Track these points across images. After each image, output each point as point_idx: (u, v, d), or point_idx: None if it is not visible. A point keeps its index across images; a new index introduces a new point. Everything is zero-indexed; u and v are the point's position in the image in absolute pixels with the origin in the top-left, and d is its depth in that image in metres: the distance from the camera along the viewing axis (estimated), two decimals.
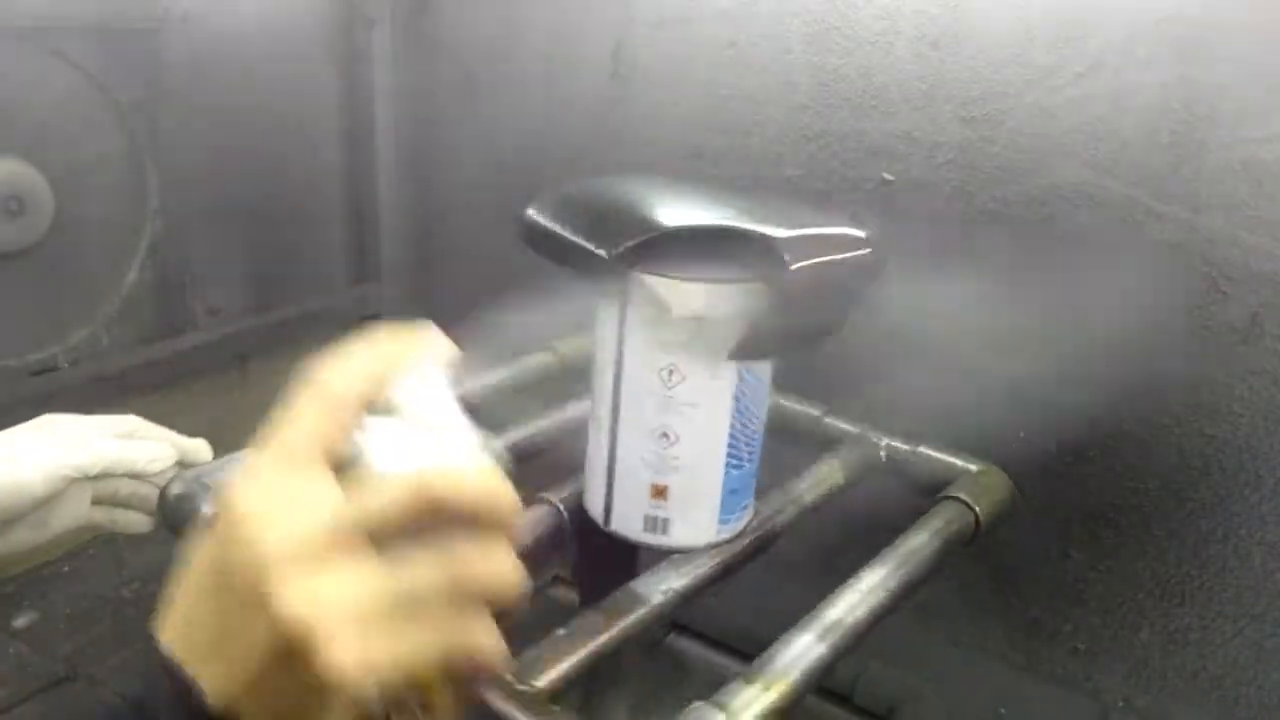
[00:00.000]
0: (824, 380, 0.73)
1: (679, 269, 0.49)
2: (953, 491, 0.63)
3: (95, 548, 0.85)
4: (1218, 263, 0.68)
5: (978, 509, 0.62)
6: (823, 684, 0.66)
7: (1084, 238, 0.73)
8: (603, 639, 0.49)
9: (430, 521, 0.32)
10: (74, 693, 0.68)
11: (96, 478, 0.58)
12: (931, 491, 0.65)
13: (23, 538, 0.57)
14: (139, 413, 0.80)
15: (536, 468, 0.64)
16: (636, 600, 0.52)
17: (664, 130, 0.90)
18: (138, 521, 0.63)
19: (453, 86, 1.03)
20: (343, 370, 0.35)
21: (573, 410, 0.69)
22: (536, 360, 0.77)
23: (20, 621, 0.74)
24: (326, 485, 0.32)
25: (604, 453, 0.56)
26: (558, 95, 0.96)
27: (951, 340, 0.80)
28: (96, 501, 0.60)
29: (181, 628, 0.33)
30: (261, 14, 0.96)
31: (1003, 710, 0.74)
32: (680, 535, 0.56)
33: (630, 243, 0.48)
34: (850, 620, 0.51)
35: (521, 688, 0.44)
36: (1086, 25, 0.70)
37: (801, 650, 0.49)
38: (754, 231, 0.49)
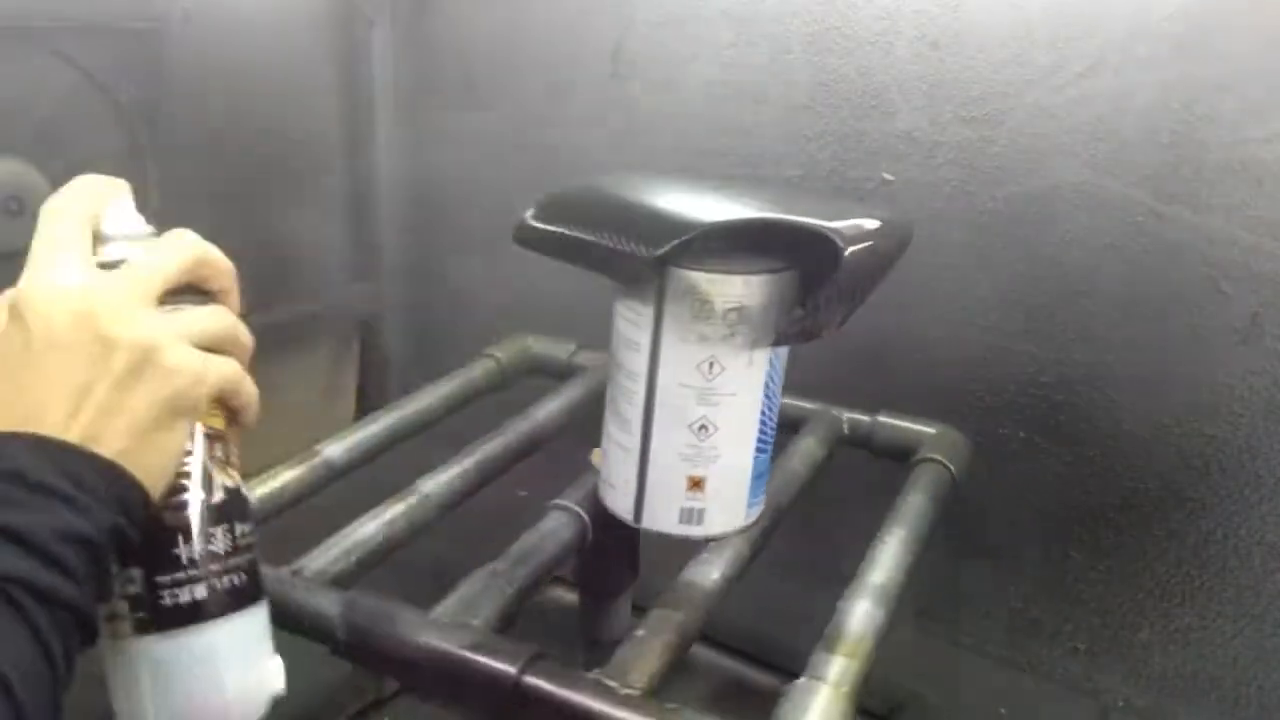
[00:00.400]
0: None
1: (721, 264, 0.51)
2: (926, 454, 0.68)
3: None
4: (1218, 263, 0.68)
5: (952, 467, 0.67)
6: None
7: (1084, 238, 0.73)
8: (684, 634, 0.51)
9: (193, 281, 0.41)
10: (74, 693, 0.67)
11: None
12: (897, 457, 0.70)
13: None
14: None
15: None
16: (697, 591, 0.54)
17: (664, 130, 0.90)
18: None
19: (453, 86, 1.03)
20: (76, 198, 0.41)
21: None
22: (479, 368, 0.79)
23: None
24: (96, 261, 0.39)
25: (634, 453, 0.57)
26: (558, 95, 0.96)
27: (950, 330, 0.80)
28: None
29: (10, 410, 0.36)
30: (261, 14, 0.95)
31: (1003, 710, 0.74)
32: (715, 523, 0.57)
33: (675, 241, 0.48)
34: (893, 583, 0.55)
35: (627, 691, 0.45)
36: (1086, 25, 0.70)
37: (865, 617, 0.51)
38: (804, 223, 0.50)
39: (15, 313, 0.37)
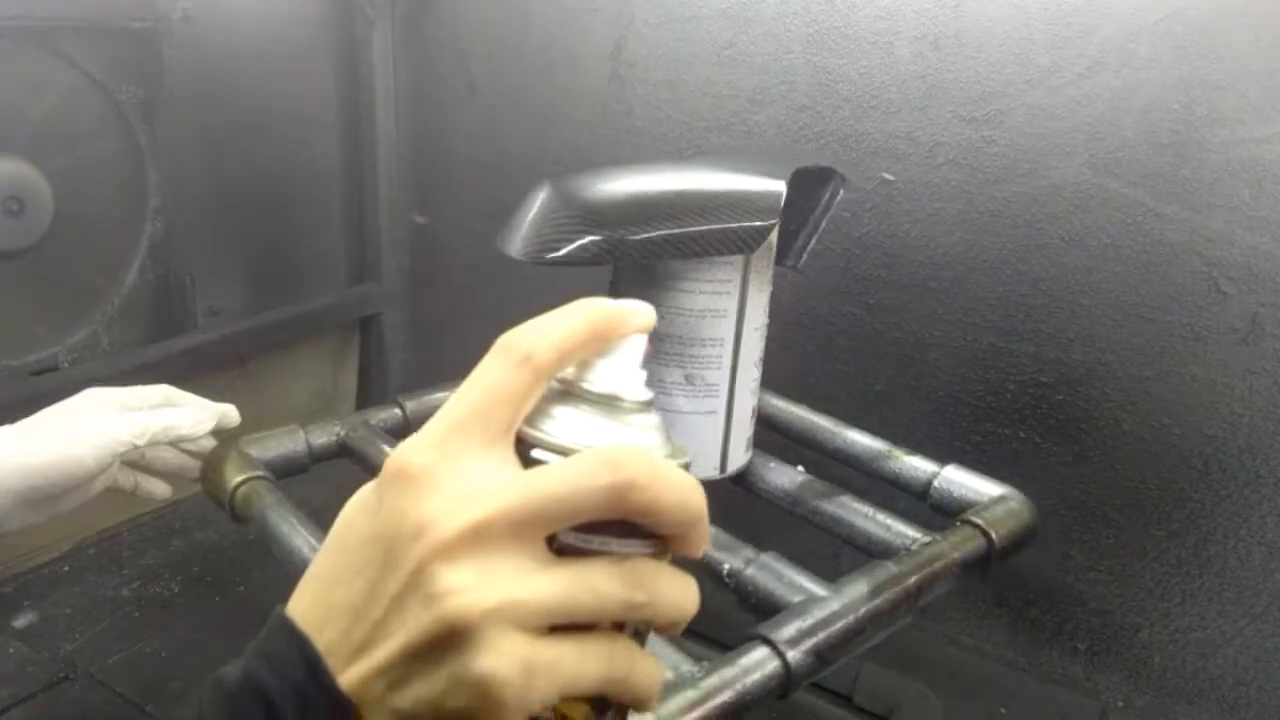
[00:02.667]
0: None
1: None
2: (970, 516, 0.62)
3: (95, 547, 0.85)
4: (1218, 263, 0.68)
5: (993, 534, 0.61)
6: (822, 684, 0.66)
7: (1084, 238, 0.73)
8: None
9: (615, 521, 0.28)
10: (74, 693, 0.68)
11: (144, 447, 0.64)
12: (949, 513, 0.65)
13: (70, 502, 0.62)
14: None
15: None
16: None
17: (664, 130, 0.90)
18: (160, 489, 0.70)
19: (453, 86, 1.03)
20: (546, 333, 0.29)
21: None
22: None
23: (20, 621, 0.74)
24: (512, 463, 0.29)
25: (720, 415, 0.62)
26: (558, 95, 0.96)
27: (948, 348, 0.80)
28: (125, 462, 0.65)
29: (319, 599, 0.29)
30: (261, 14, 0.95)
31: (1003, 710, 0.74)
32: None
33: (773, 216, 0.56)
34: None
35: None
36: (1086, 25, 0.70)
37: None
38: (823, 165, 0.65)
39: (381, 479, 0.29)
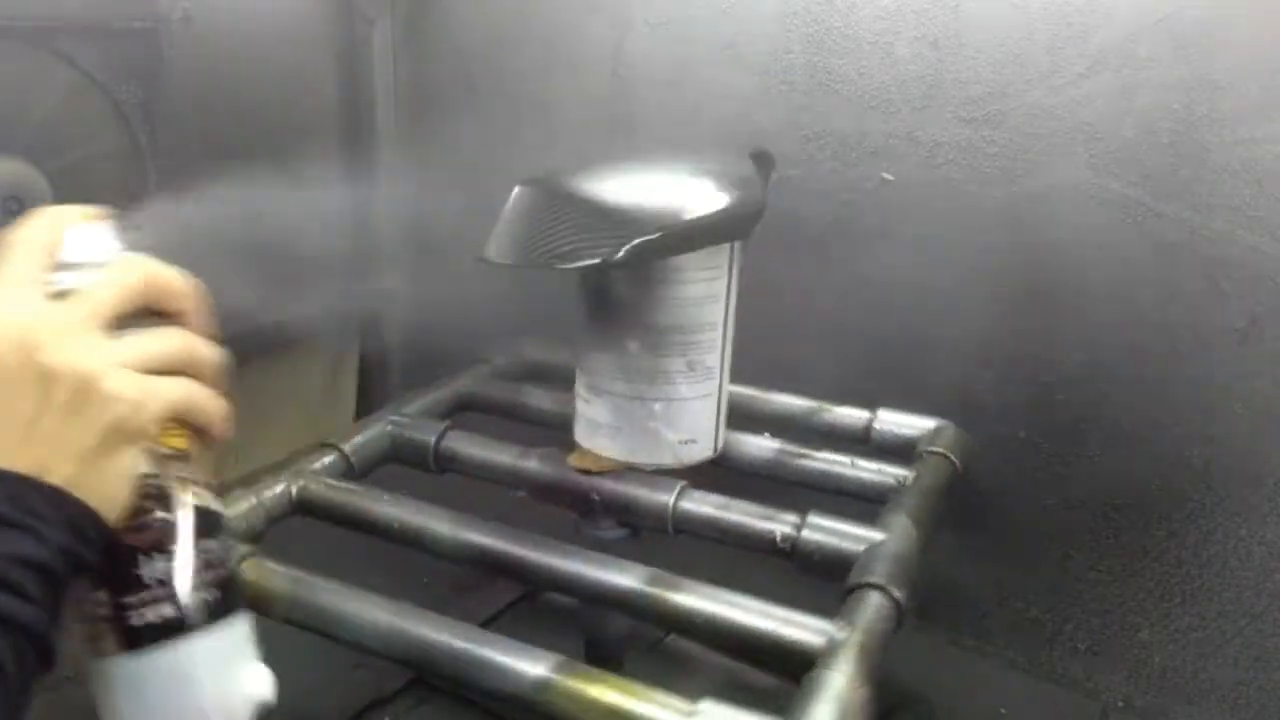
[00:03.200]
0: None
1: None
2: (928, 448, 0.70)
3: None
4: (1218, 263, 0.68)
5: (955, 459, 0.69)
6: None
7: (1084, 238, 0.73)
8: None
9: (144, 308, 0.40)
10: (74, 693, 0.67)
11: None
12: (898, 454, 0.71)
13: None
14: None
15: None
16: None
17: (664, 130, 0.90)
18: None
19: (453, 86, 1.03)
20: (34, 224, 0.42)
21: None
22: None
23: None
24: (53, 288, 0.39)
25: (714, 396, 0.63)
26: (558, 95, 0.96)
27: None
28: None
29: None
30: (261, 14, 0.95)
31: (1003, 710, 0.74)
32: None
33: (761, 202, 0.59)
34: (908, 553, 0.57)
35: None
36: (1086, 25, 0.70)
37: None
38: (762, 152, 0.66)
39: None
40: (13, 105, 0.79)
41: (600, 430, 0.62)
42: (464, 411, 0.81)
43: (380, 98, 1.04)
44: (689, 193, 0.60)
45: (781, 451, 0.69)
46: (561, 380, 0.79)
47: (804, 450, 0.70)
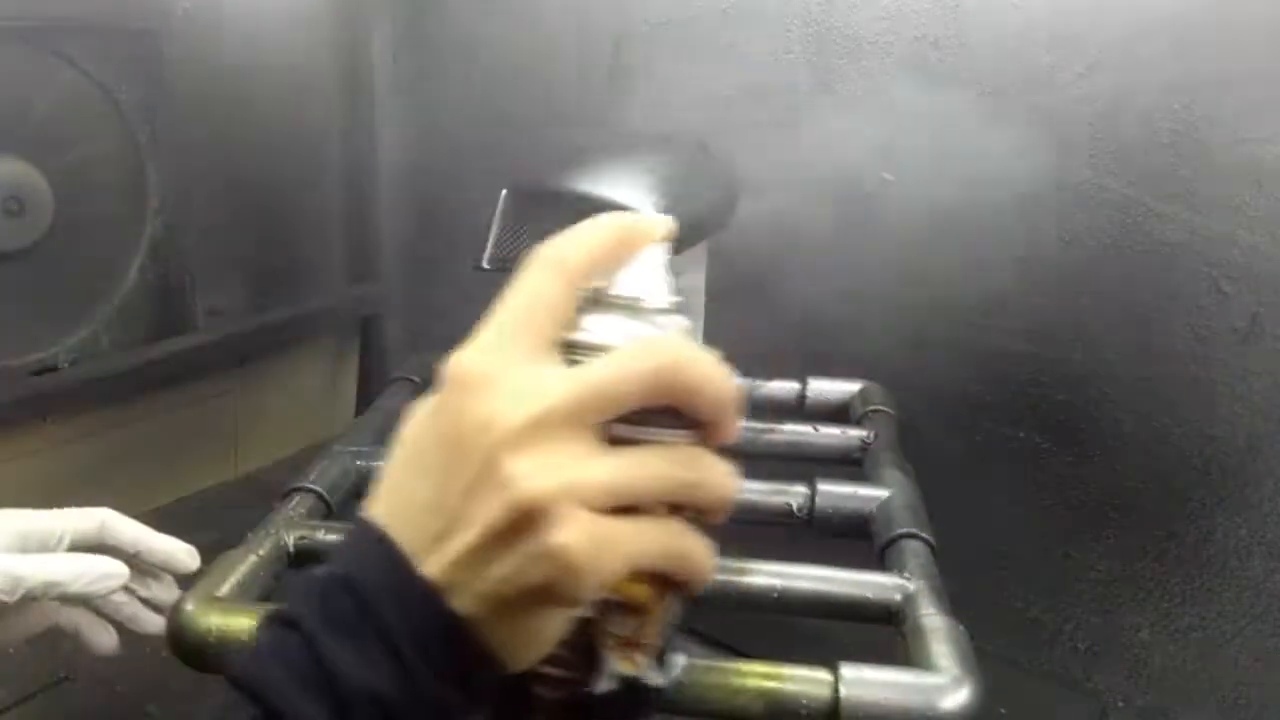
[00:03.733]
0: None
1: None
2: (869, 408, 0.74)
3: None
4: (1218, 263, 0.68)
5: (895, 413, 0.74)
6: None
7: (1084, 238, 0.73)
8: None
9: (658, 412, 0.30)
10: (74, 693, 0.68)
11: (19, 602, 0.47)
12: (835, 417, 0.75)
13: None
14: (140, 411, 0.79)
15: None
16: None
17: (664, 130, 0.90)
18: (104, 641, 0.53)
19: (453, 86, 1.03)
20: (577, 244, 0.32)
21: None
22: None
23: None
24: (559, 364, 0.31)
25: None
26: (558, 95, 0.96)
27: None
28: (66, 602, 0.52)
29: (395, 501, 0.31)
30: (261, 14, 0.95)
31: (1003, 710, 0.74)
32: None
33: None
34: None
35: None
36: (1086, 25, 0.70)
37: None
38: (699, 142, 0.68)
39: (441, 386, 0.31)
40: (13, 105, 0.79)
41: None
42: None
43: (380, 96, 1.04)
44: (688, 188, 0.60)
45: (749, 429, 0.72)
46: None
47: (769, 425, 0.72)
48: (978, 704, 0.45)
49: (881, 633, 0.52)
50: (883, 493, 0.62)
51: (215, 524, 0.88)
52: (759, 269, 0.88)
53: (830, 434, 0.71)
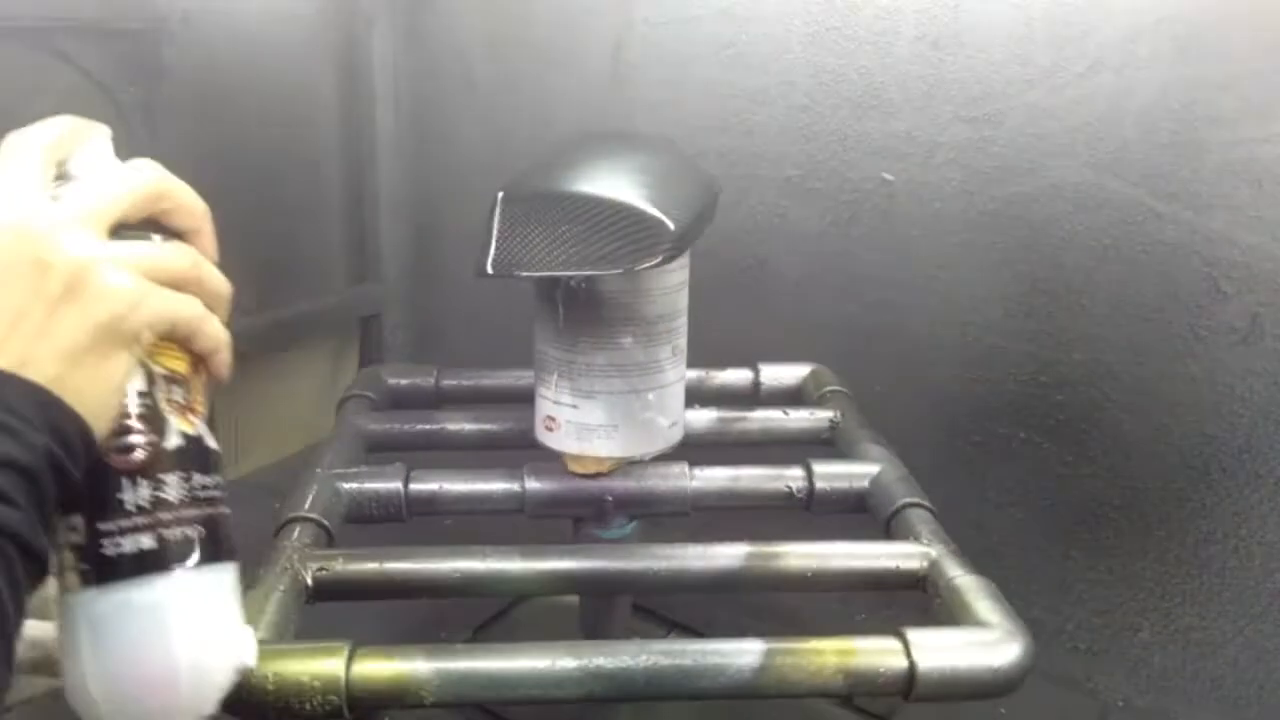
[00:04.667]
0: None
1: None
2: (831, 386, 0.76)
3: None
4: (1218, 263, 0.68)
5: (850, 391, 0.76)
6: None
7: (1084, 238, 0.73)
8: None
9: (151, 219, 0.39)
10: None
11: None
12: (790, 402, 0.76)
13: None
14: None
15: None
16: None
17: (664, 130, 0.90)
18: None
19: (453, 86, 1.03)
20: (37, 129, 0.39)
21: None
22: None
23: None
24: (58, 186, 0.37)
25: (684, 378, 0.64)
26: (558, 95, 0.96)
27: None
28: None
29: None
30: (261, 14, 0.95)
31: (1003, 710, 0.74)
32: None
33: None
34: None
35: None
36: (1086, 25, 0.70)
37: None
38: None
39: None
40: (13, 105, 0.79)
41: (595, 432, 0.62)
42: (372, 454, 0.72)
43: (380, 98, 1.04)
44: (684, 185, 0.60)
45: (720, 419, 0.73)
46: (428, 402, 0.77)
47: (739, 414, 0.73)
48: (1034, 650, 0.48)
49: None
50: (874, 467, 0.65)
51: None
52: (755, 268, 0.88)
53: (800, 417, 0.73)
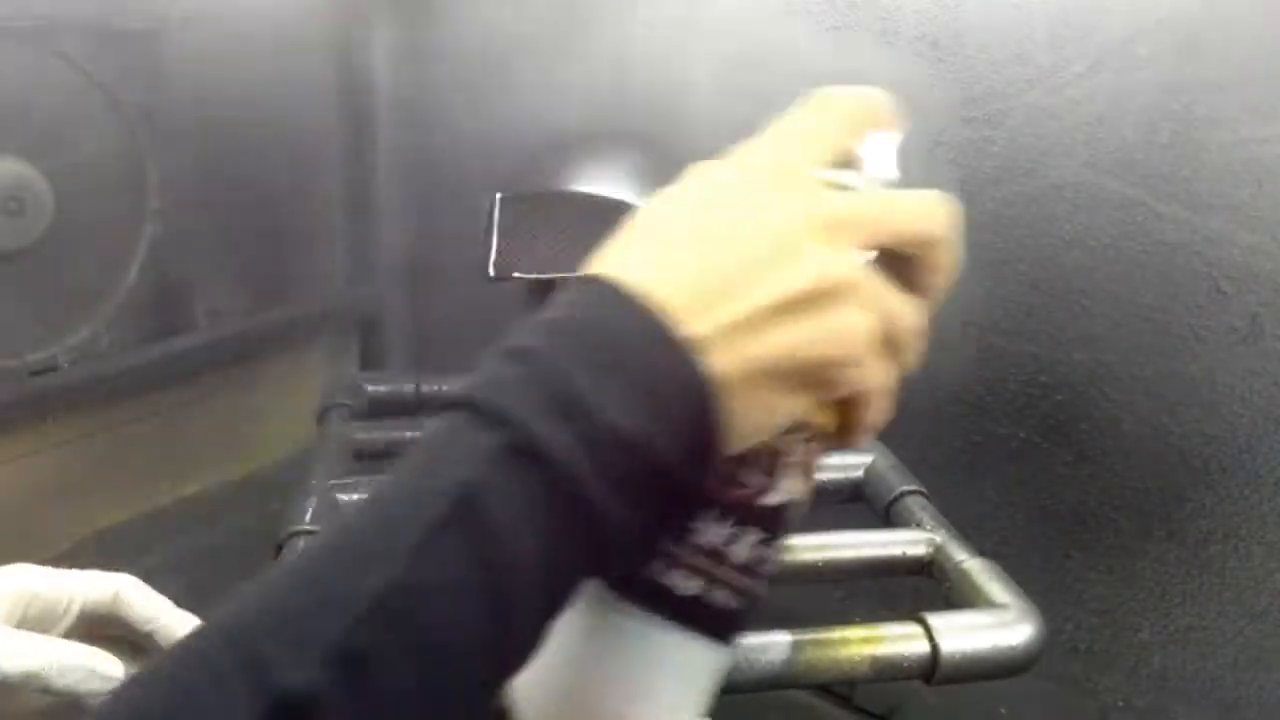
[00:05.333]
0: None
1: None
2: None
3: (96, 545, 0.84)
4: (1218, 263, 0.68)
5: None
6: (823, 684, 0.69)
7: (1084, 238, 0.73)
8: None
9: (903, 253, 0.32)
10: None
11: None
12: None
13: None
14: (139, 411, 0.79)
15: None
16: None
17: (664, 130, 0.90)
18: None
19: (453, 86, 1.03)
20: (842, 96, 0.36)
21: None
22: None
23: None
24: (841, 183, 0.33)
25: None
26: (558, 95, 0.96)
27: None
28: None
29: (650, 265, 0.29)
30: (261, 14, 0.96)
31: (1003, 710, 0.74)
32: None
33: None
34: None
35: None
36: (1086, 25, 0.70)
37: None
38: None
39: (733, 162, 0.33)
40: (13, 105, 0.79)
41: None
42: (360, 463, 0.72)
43: (380, 98, 1.04)
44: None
45: None
46: (410, 409, 0.76)
47: None
48: (1046, 629, 0.50)
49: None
50: (866, 457, 0.67)
51: (219, 525, 0.88)
52: None
53: None
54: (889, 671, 0.48)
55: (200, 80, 0.90)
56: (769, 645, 0.48)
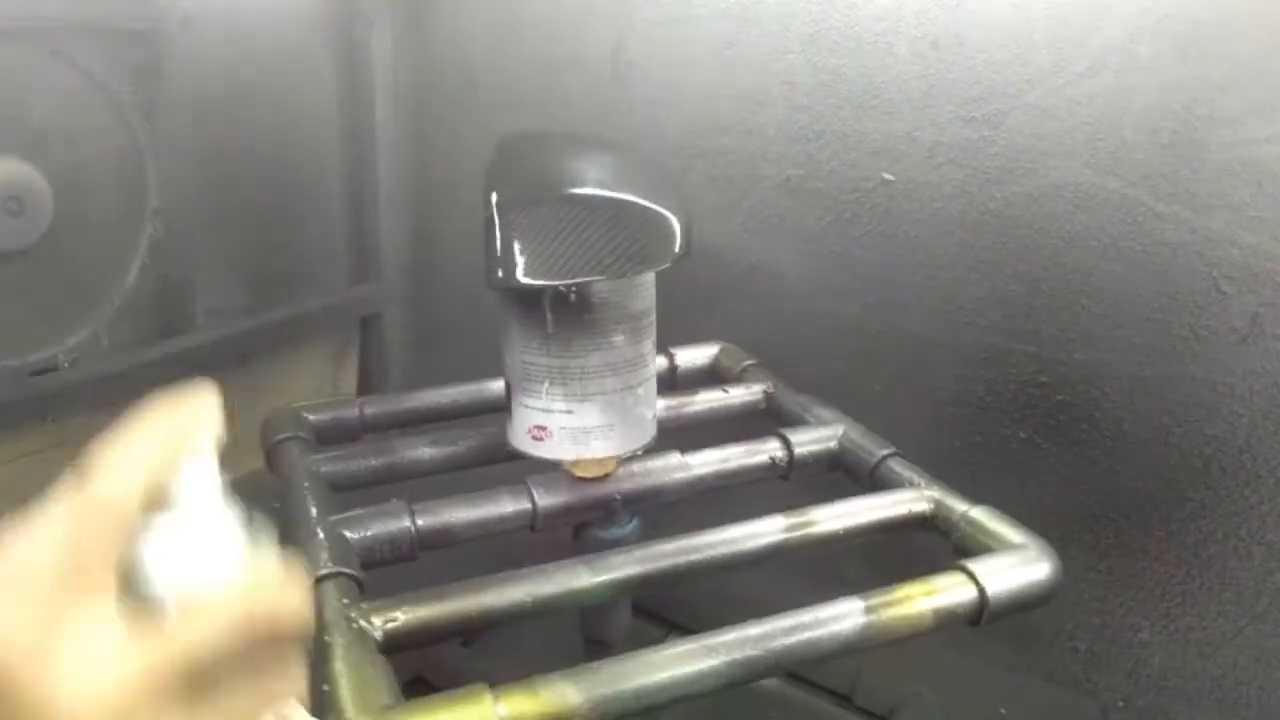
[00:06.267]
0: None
1: None
2: (746, 362, 0.81)
3: None
4: (1218, 263, 0.68)
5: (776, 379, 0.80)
6: (823, 684, 0.71)
7: (1084, 238, 0.73)
8: None
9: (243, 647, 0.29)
10: None
11: None
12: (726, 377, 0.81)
13: None
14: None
15: None
16: None
17: (664, 130, 0.90)
18: None
19: (453, 86, 1.03)
20: (120, 471, 0.30)
21: None
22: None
23: None
24: (122, 618, 0.28)
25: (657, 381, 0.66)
26: (558, 95, 0.96)
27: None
28: None
29: None
30: (261, 14, 0.95)
31: (1003, 710, 0.74)
32: None
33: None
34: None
35: None
36: (1086, 25, 0.70)
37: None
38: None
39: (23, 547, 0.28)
40: (13, 105, 0.79)
41: (592, 434, 0.62)
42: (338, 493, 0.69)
43: (380, 98, 1.04)
44: (671, 182, 0.62)
45: (670, 405, 0.75)
46: (355, 434, 0.74)
47: (683, 398, 0.76)
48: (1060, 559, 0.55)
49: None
50: (838, 428, 0.70)
51: None
52: (753, 267, 0.88)
53: (738, 393, 0.77)
54: (947, 620, 0.51)
55: (200, 80, 0.90)
56: (844, 614, 0.50)
